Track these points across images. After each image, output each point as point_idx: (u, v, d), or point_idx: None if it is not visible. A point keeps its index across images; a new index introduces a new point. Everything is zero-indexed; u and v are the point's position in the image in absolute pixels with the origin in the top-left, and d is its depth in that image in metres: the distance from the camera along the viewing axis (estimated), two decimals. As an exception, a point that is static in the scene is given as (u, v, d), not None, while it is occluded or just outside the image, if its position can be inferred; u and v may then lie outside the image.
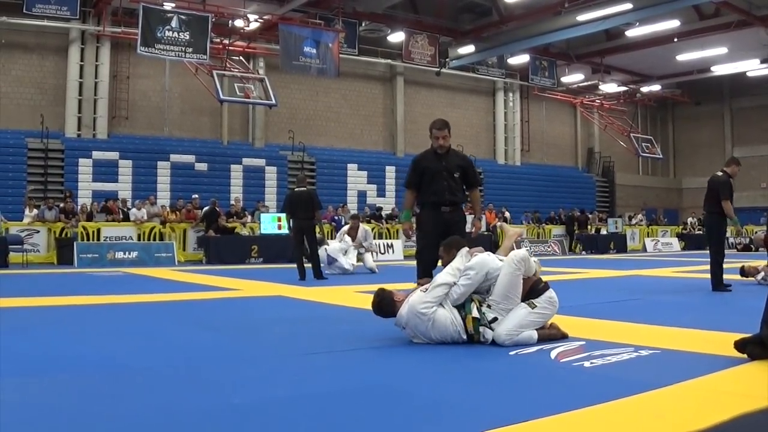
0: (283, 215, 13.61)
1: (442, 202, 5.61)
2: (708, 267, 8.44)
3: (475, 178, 5.92)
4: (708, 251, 8.53)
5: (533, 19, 21.83)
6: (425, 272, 5.50)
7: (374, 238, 16.70)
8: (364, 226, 13.35)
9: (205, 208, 17.12)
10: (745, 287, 8.58)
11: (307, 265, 10.46)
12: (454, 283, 4.27)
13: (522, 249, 4.53)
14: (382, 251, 17.04)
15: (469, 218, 6.48)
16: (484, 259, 4.37)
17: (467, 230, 5.92)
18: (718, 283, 8.18)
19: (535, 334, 4.28)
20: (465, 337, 4.24)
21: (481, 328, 4.22)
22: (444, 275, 4.34)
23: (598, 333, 4.71)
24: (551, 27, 21.26)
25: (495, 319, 4.23)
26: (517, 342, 4.18)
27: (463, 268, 4.32)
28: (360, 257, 12.48)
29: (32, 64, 19.11)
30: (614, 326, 5.18)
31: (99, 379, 3.45)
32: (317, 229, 10.68)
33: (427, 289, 4.32)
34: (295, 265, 10.55)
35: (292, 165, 22.11)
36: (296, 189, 10.80)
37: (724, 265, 8.27)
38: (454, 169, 5.65)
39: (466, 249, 4.51)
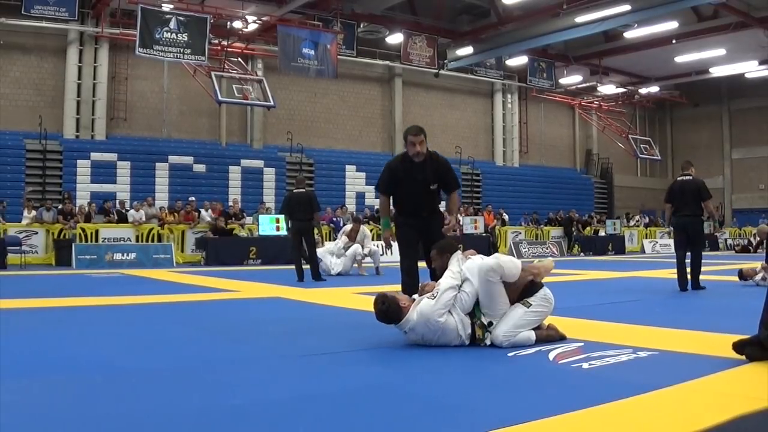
0: (281, 216, 13.59)
1: (420, 213, 5.51)
2: (677, 267, 8.60)
3: (453, 183, 5.60)
4: (677, 252, 8.70)
5: (531, 21, 21.84)
6: (409, 277, 5.42)
7: (372, 239, 16.70)
8: (364, 228, 13.33)
9: (204, 212, 17.20)
10: (744, 289, 8.59)
11: (306, 267, 10.45)
12: (459, 287, 4.25)
13: (491, 258, 4.34)
14: (381, 252, 16.99)
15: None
16: (475, 262, 4.33)
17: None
18: (698, 283, 8.43)
19: (533, 335, 4.28)
20: (468, 342, 4.24)
21: (486, 333, 4.24)
22: (447, 280, 4.29)
23: (597, 334, 4.72)
24: (549, 28, 21.27)
25: (491, 323, 4.24)
26: (515, 343, 4.18)
27: (462, 270, 4.30)
28: (358, 261, 12.48)
29: (31, 65, 19.10)
30: (613, 327, 5.18)
31: (97, 381, 3.45)
32: (315, 231, 10.68)
33: (434, 296, 4.25)
34: (293, 267, 10.55)
35: (290, 166, 22.11)
36: (295, 190, 10.78)
37: (717, 267, 8.39)
38: (430, 181, 5.43)
39: (460, 252, 4.48)
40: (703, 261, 8.56)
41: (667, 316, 6.07)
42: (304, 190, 10.89)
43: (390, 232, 5.71)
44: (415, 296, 4.58)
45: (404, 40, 22.64)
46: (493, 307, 4.22)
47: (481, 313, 4.25)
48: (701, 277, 8.52)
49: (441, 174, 5.46)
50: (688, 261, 8.49)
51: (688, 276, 8.44)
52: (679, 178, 8.81)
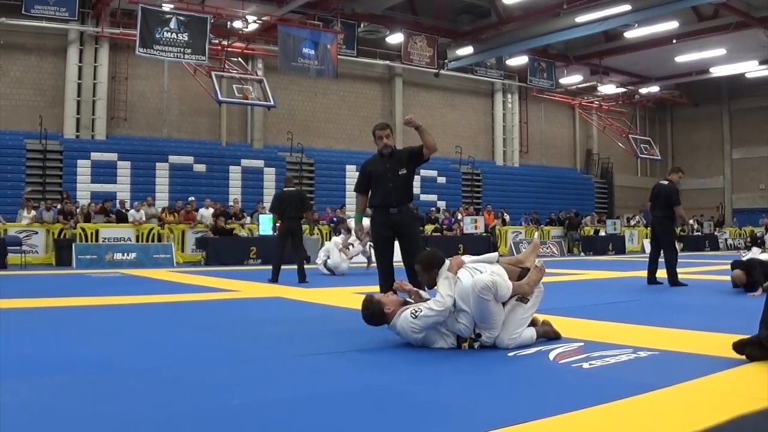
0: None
1: (390, 204, 5.71)
2: (645, 264, 9.42)
3: (421, 146, 5.66)
4: (650, 251, 9.56)
5: (532, 21, 21.85)
6: (385, 277, 5.62)
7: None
8: (349, 224, 13.06)
9: (204, 210, 17.21)
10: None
11: (293, 267, 10.35)
12: (449, 312, 4.15)
13: (485, 275, 4.15)
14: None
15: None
16: (467, 286, 4.14)
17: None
18: (674, 280, 8.91)
19: (534, 332, 4.32)
20: (456, 346, 4.24)
21: (475, 343, 4.21)
22: (434, 303, 4.15)
23: (597, 334, 4.72)
24: (550, 28, 21.27)
25: (479, 335, 4.20)
26: (520, 343, 4.20)
27: (452, 294, 4.13)
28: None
29: (31, 65, 19.10)
30: (613, 327, 5.18)
31: (98, 381, 3.45)
32: (307, 229, 10.59)
33: (415, 313, 4.17)
34: (293, 266, 10.46)
35: (290, 166, 22.12)
36: (285, 189, 10.65)
37: (717, 267, 8.45)
38: (398, 168, 5.71)
39: (447, 267, 4.30)
40: (702, 261, 8.70)
41: (667, 316, 6.06)
42: (294, 188, 10.83)
43: (360, 227, 6.30)
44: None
45: (404, 39, 22.65)
46: (489, 321, 4.15)
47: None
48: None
49: (407, 156, 5.78)
50: (662, 260, 9.18)
51: (659, 272, 9.21)
52: (660, 182, 9.54)
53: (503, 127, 28.13)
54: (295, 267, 10.37)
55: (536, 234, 5.32)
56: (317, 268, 12.20)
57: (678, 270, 9.04)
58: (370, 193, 5.89)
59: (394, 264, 5.82)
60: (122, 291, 8.62)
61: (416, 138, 5.73)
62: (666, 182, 9.32)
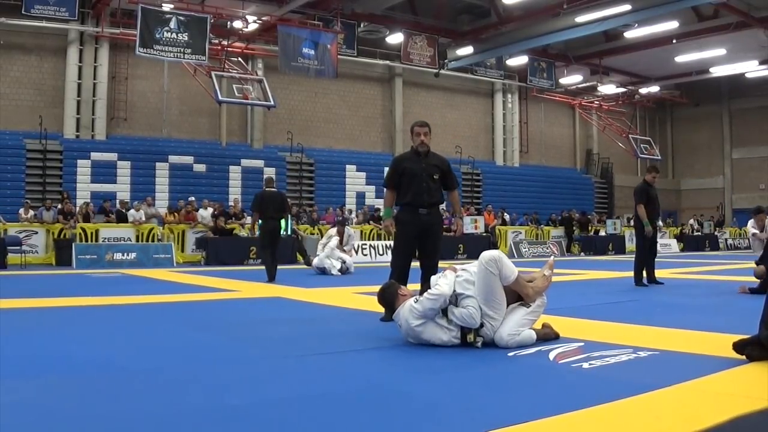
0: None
1: (420, 204, 5.67)
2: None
3: (453, 182, 5.99)
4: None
5: (532, 21, 21.85)
6: (399, 277, 5.51)
7: (373, 240, 16.84)
8: (348, 228, 13.85)
9: (202, 210, 17.18)
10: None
11: (290, 267, 10.35)
12: (447, 300, 4.19)
13: (491, 250, 4.33)
14: (381, 252, 17.06)
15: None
16: (468, 273, 4.29)
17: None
18: (636, 279, 9.16)
19: (534, 333, 4.31)
20: (458, 341, 4.23)
21: (478, 338, 4.21)
22: (433, 289, 4.22)
23: (597, 334, 4.72)
24: (550, 28, 21.27)
25: (482, 325, 4.20)
26: (520, 342, 4.19)
27: (451, 284, 4.21)
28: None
29: (31, 65, 19.10)
30: (613, 327, 5.18)
31: (97, 381, 3.45)
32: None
33: (417, 299, 4.24)
34: (291, 266, 10.49)
35: (290, 166, 22.13)
36: (266, 189, 10.58)
37: (717, 267, 8.45)
38: (433, 171, 5.73)
39: (440, 274, 4.41)
40: (702, 261, 8.71)
41: (667, 316, 6.06)
42: (275, 189, 10.87)
43: (390, 221, 5.96)
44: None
45: (404, 39, 22.65)
46: (492, 300, 4.17)
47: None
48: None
49: (444, 168, 5.85)
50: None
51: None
52: None
53: (503, 127, 28.14)
54: (290, 266, 10.38)
55: (552, 257, 5.45)
56: (312, 269, 12.26)
57: (677, 269, 9.07)
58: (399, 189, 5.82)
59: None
60: (122, 291, 8.62)
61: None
62: (641, 182, 9.59)
